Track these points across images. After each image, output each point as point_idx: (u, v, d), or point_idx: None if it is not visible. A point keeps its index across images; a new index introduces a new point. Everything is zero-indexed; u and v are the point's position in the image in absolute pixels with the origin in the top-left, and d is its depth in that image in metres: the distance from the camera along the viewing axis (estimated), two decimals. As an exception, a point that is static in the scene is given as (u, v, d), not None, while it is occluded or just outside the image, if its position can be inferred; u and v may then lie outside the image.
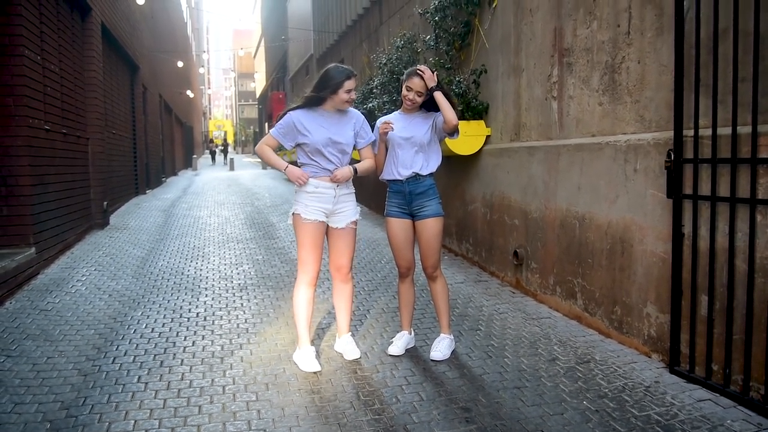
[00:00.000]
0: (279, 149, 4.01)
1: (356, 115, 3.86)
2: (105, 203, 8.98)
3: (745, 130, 3.03)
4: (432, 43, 6.65)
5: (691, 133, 3.32)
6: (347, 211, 3.80)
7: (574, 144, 4.49)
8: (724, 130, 3.14)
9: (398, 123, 3.89)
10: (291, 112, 3.74)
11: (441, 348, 3.89)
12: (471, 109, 6.03)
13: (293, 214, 3.76)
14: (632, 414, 3.04)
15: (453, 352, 3.94)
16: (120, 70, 12.29)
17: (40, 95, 6.12)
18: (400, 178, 3.86)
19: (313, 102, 3.73)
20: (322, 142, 3.64)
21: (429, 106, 3.87)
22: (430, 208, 3.86)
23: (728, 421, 2.91)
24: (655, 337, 3.71)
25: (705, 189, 3.28)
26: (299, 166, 3.76)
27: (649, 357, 3.74)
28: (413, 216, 3.89)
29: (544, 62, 4.93)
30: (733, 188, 3.08)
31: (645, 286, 3.78)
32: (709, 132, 3.22)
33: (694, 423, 2.92)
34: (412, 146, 3.85)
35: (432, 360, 3.83)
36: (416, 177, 3.86)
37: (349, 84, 3.65)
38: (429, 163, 3.91)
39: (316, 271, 3.76)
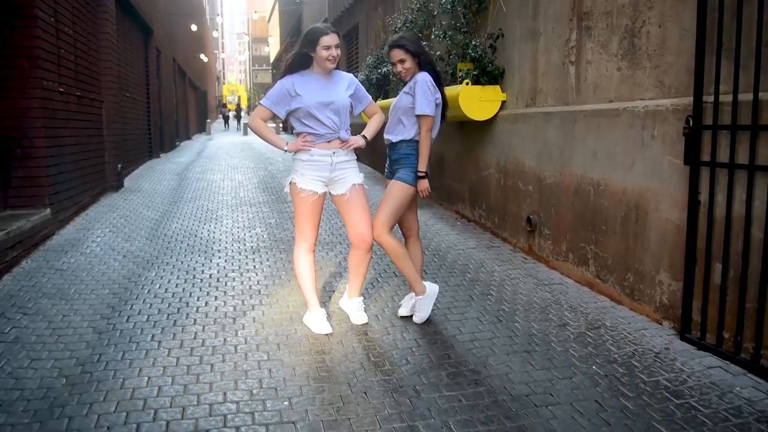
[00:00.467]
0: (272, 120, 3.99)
1: (348, 77, 3.79)
2: (119, 166, 9.02)
3: (766, 96, 2.97)
4: (448, 6, 6.54)
5: (711, 99, 3.25)
6: (347, 177, 3.72)
7: (590, 110, 4.43)
8: (746, 96, 3.08)
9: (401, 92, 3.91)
10: (281, 79, 3.67)
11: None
12: (487, 74, 5.95)
13: (290, 183, 3.71)
14: (641, 379, 3.04)
15: (463, 316, 3.96)
16: (134, 33, 12.23)
17: (54, 57, 6.10)
18: (386, 142, 3.93)
19: (300, 63, 3.65)
20: (314, 104, 3.58)
21: (425, 66, 3.83)
22: (399, 173, 3.82)
23: (737, 388, 2.91)
24: (667, 304, 3.69)
25: (723, 156, 3.23)
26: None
27: (660, 324, 3.73)
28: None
29: (562, 26, 4.84)
30: (753, 155, 3.03)
31: (658, 254, 3.76)
32: (729, 98, 3.15)
33: (703, 389, 2.92)
34: (395, 113, 3.85)
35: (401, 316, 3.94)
36: (392, 144, 3.86)
37: (327, 40, 3.52)
38: (404, 132, 3.81)
39: (314, 239, 3.77)
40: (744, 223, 3.10)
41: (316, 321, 3.74)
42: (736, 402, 2.79)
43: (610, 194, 4.21)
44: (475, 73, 5.91)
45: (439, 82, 3.81)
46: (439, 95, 3.76)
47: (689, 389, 2.93)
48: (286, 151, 3.68)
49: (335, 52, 3.58)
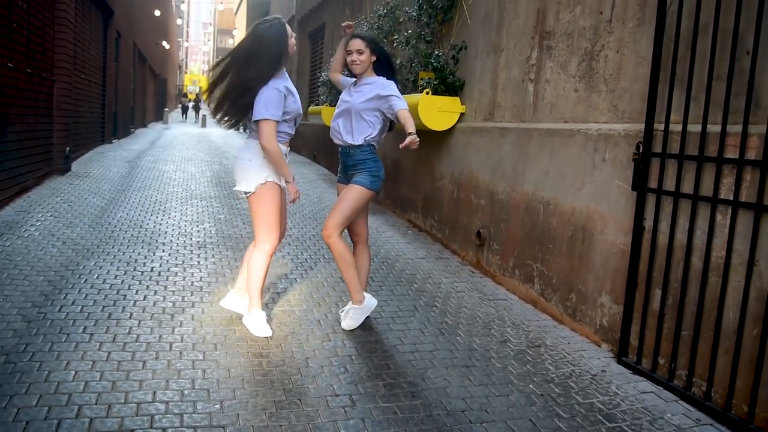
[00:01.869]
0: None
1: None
2: (68, 149, 8.74)
3: (714, 129, 3.03)
4: (414, 14, 6.54)
5: (662, 127, 3.31)
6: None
7: (546, 128, 4.47)
8: (695, 127, 3.14)
9: (349, 90, 3.86)
10: (270, 85, 3.41)
11: (351, 316, 3.87)
12: (447, 84, 5.96)
13: (264, 183, 3.52)
14: (576, 401, 3.06)
15: (405, 327, 3.93)
16: (93, 12, 11.90)
17: (4, 31, 5.88)
18: (338, 143, 3.87)
19: (278, 62, 3.48)
20: (299, 106, 3.59)
21: (382, 70, 3.83)
22: (357, 176, 3.76)
23: (668, 415, 2.96)
24: (607, 327, 3.74)
25: (669, 184, 3.29)
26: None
27: (599, 346, 3.78)
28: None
29: (524, 43, 4.87)
30: (697, 186, 3.09)
31: (602, 276, 3.80)
32: (679, 128, 3.21)
33: (636, 414, 2.96)
34: (347, 113, 3.78)
35: (344, 330, 3.85)
36: (347, 147, 3.80)
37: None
38: (359, 135, 3.75)
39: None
40: (685, 251, 3.16)
41: (258, 323, 3.66)
42: (666, 428, 2.83)
43: (559, 214, 4.25)
44: (435, 82, 5.92)
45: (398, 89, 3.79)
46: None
47: (622, 413, 2.96)
48: (289, 183, 3.55)
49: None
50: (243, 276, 3.86)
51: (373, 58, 3.77)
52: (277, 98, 3.41)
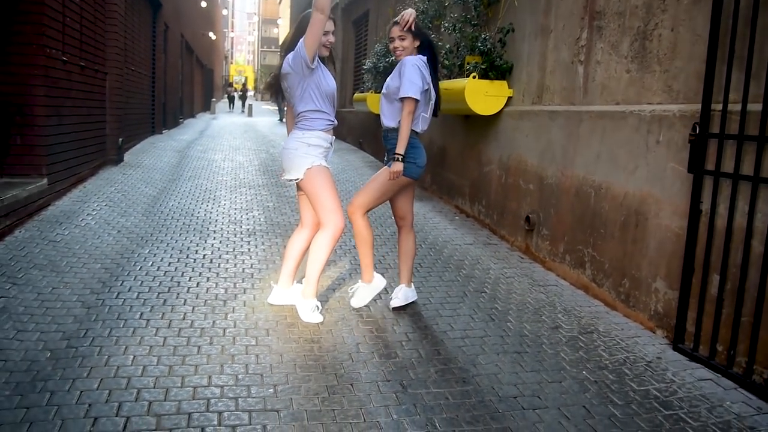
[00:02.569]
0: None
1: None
2: (120, 140, 8.96)
3: (776, 107, 2.92)
4: (459, -2, 6.47)
5: (720, 107, 3.20)
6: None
7: (597, 111, 4.38)
8: (755, 107, 3.03)
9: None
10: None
11: (360, 296, 3.96)
12: (495, 68, 5.88)
13: (311, 167, 3.56)
14: (631, 387, 3.01)
15: (455, 313, 3.93)
16: (142, 6, 12.12)
17: (58, 25, 6.03)
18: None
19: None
20: (333, 88, 3.61)
21: (425, 50, 3.77)
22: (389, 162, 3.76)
23: (727, 403, 2.88)
24: (662, 312, 3.66)
25: (728, 166, 3.18)
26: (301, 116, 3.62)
27: (654, 332, 3.70)
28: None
29: (573, 24, 4.77)
30: (758, 167, 2.98)
31: (656, 261, 3.72)
32: (738, 108, 3.10)
33: (693, 401, 2.89)
34: (386, 96, 3.78)
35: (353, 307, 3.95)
36: (386, 130, 3.80)
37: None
38: (393, 118, 3.75)
39: None
40: (744, 235, 3.06)
41: (310, 310, 3.69)
42: (725, 416, 2.76)
43: (611, 198, 4.16)
44: (483, 66, 5.85)
45: (435, 73, 3.77)
46: (428, 85, 3.68)
47: (679, 400, 2.90)
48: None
49: (331, 38, 3.60)
50: (287, 268, 3.91)
51: (417, 43, 3.73)
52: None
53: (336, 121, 3.71)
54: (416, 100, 3.59)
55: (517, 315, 3.95)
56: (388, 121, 3.77)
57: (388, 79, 3.81)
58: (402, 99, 3.60)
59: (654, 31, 3.83)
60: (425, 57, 3.72)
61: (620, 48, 4.17)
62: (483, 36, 6.01)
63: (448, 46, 6.78)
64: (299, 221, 3.92)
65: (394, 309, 3.91)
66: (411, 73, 3.58)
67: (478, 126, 6.44)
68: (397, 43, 3.70)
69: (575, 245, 4.57)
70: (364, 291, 3.93)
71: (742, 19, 3.10)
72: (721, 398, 2.93)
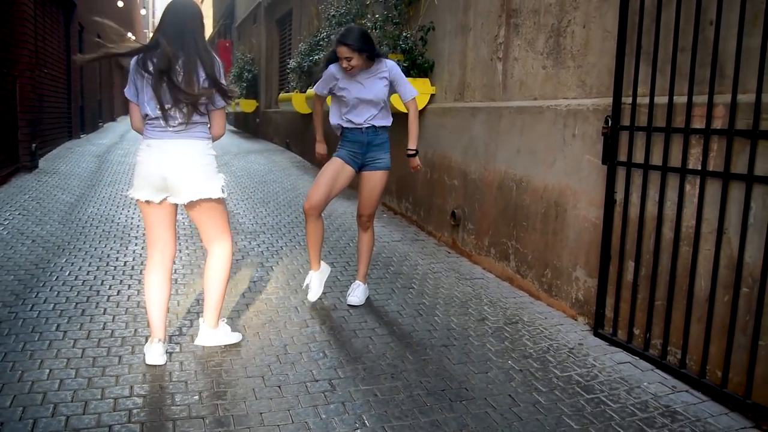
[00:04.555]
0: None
1: None
2: (34, 145, 8.57)
3: (681, 100, 3.05)
4: (381, -3, 6.50)
5: (630, 100, 3.33)
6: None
7: (516, 106, 4.48)
8: (662, 99, 3.16)
9: (350, 83, 3.82)
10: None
11: (358, 294, 4.04)
12: (416, 66, 5.94)
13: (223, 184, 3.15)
14: (554, 374, 3.09)
15: (383, 309, 3.94)
16: (54, 6, 11.63)
17: (-40, 25, 5.72)
18: (358, 126, 3.88)
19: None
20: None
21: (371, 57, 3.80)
22: (383, 162, 3.96)
23: (645, 383, 3.00)
24: (582, 300, 3.77)
25: (639, 157, 3.31)
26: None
27: (576, 320, 3.81)
28: (363, 167, 3.95)
29: (491, 22, 4.86)
30: (666, 157, 3.11)
31: (576, 251, 3.83)
32: (646, 101, 3.23)
33: (613, 384, 2.99)
34: (371, 104, 3.86)
35: (349, 305, 3.99)
36: (374, 129, 3.90)
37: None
38: (386, 118, 3.97)
39: None
40: (656, 222, 3.19)
41: (228, 332, 3.37)
42: (643, 397, 2.87)
43: (531, 191, 4.26)
44: (405, 65, 5.89)
45: None
46: None
47: (600, 384, 2.99)
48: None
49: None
50: (159, 317, 3.15)
51: (363, 56, 3.72)
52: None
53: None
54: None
55: (444, 309, 4.00)
56: (381, 122, 3.93)
57: (358, 89, 3.81)
58: (408, 100, 3.94)
59: (567, 28, 3.95)
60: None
61: (536, 45, 4.27)
62: (404, 34, 6.06)
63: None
64: (151, 254, 3.16)
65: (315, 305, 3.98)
66: (403, 75, 3.90)
67: (402, 123, 6.46)
68: (345, 63, 3.73)
69: (499, 238, 4.67)
70: (362, 289, 4.09)
71: (648, 16, 3.23)
72: (639, 380, 3.04)
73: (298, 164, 10.60)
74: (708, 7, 2.91)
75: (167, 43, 2.93)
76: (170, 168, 2.96)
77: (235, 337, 3.39)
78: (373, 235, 4.12)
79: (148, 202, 3.03)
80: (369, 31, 6.57)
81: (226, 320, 3.48)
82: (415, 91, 3.95)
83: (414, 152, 4.03)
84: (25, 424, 2.48)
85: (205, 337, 3.28)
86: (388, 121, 3.98)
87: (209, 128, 3.08)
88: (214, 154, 3.10)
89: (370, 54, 3.73)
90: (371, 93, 3.81)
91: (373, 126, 3.90)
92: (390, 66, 3.86)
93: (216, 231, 3.19)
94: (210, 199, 3.05)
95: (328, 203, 3.92)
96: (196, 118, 2.98)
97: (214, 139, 3.12)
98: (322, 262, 3.99)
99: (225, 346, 3.30)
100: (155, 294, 3.11)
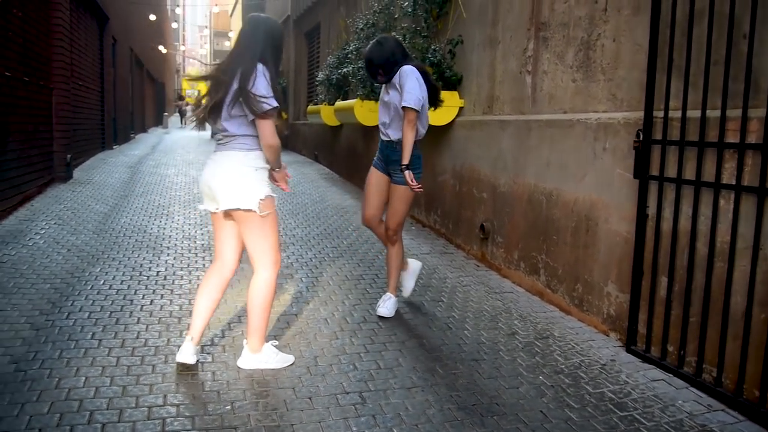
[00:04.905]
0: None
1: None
2: (68, 156, 8.75)
3: (714, 114, 3.03)
4: (409, 10, 6.54)
5: (662, 114, 3.31)
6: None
7: (545, 120, 4.47)
8: (694, 113, 3.14)
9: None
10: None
11: (389, 305, 4.05)
12: (445, 79, 5.96)
13: (265, 198, 3.04)
14: (587, 390, 3.07)
15: (412, 322, 3.95)
16: (88, 20, 11.90)
17: (1, 40, 5.88)
18: (383, 138, 3.94)
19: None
20: None
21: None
22: (401, 176, 3.82)
23: (679, 402, 2.96)
24: (614, 316, 3.74)
25: (671, 171, 3.29)
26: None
27: (607, 335, 3.78)
28: (390, 176, 3.96)
29: (520, 35, 4.87)
30: (699, 171, 3.09)
31: (607, 265, 3.80)
32: (678, 114, 3.21)
33: (647, 402, 2.96)
34: (388, 108, 3.86)
35: (379, 316, 4.01)
36: (391, 143, 3.87)
37: None
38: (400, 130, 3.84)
39: None
40: (689, 237, 3.16)
41: (275, 355, 3.28)
42: (678, 415, 2.84)
43: (562, 204, 4.25)
44: (433, 78, 5.90)
45: (426, 77, 3.83)
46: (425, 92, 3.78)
47: (633, 401, 2.96)
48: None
49: None
50: (200, 320, 3.19)
51: (389, 68, 3.79)
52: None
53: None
54: (417, 111, 3.66)
55: (474, 323, 3.99)
56: (395, 134, 3.84)
57: (387, 92, 3.86)
58: (404, 108, 3.66)
59: (597, 41, 3.94)
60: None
61: (565, 58, 4.27)
62: (433, 47, 6.09)
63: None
64: (213, 261, 3.28)
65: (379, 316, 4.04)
66: (411, 84, 3.65)
67: (431, 136, 6.48)
68: (378, 77, 3.86)
69: (529, 252, 4.65)
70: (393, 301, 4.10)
71: (679, 29, 3.22)
72: (673, 397, 3.01)
73: (326, 176, 10.67)
74: (742, 20, 2.89)
75: (227, 57, 3.17)
76: (211, 177, 3.08)
77: (283, 361, 3.26)
78: (401, 249, 4.11)
79: (210, 211, 3.17)
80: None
81: (274, 342, 3.41)
82: (411, 102, 3.62)
83: (405, 166, 3.73)
84: (62, 431, 2.54)
85: (246, 360, 3.23)
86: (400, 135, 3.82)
87: (258, 140, 3.05)
88: (258, 166, 3.06)
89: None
90: (388, 96, 3.88)
91: (390, 141, 3.88)
92: (400, 70, 3.74)
93: (256, 254, 3.12)
94: (247, 213, 3.03)
95: (382, 211, 4.05)
96: (239, 130, 3.02)
97: (264, 150, 3.04)
98: (409, 259, 4.24)
99: (256, 357, 3.33)
100: (202, 301, 3.17)
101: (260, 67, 2.98)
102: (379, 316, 4.02)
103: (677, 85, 3.24)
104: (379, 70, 3.80)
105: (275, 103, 2.96)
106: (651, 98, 3.35)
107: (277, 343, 3.46)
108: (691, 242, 3.15)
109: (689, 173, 3.17)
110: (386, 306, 4.05)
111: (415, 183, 3.73)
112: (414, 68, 3.73)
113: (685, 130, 3.16)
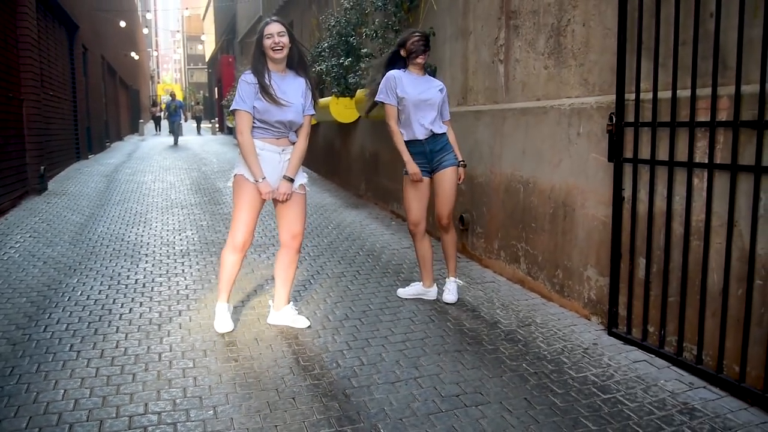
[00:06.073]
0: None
1: (303, 82, 3.62)
2: (42, 168, 8.64)
3: (684, 93, 3.04)
4: (380, 4, 6.51)
5: (633, 96, 3.31)
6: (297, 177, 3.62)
7: (519, 108, 4.47)
8: (665, 94, 3.15)
9: (411, 84, 3.97)
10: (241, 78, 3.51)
11: (453, 291, 4.19)
12: (419, 72, 5.93)
13: (235, 175, 3.55)
14: (570, 375, 3.07)
15: (395, 317, 3.93)
16: (57, 29, 11.74)
17: (-35, 52, 5.78)
18: (420, 138, 3.99)
19: (260, 61, 3.51)
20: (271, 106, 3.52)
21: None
22: (449, 159, 4.02)
23: (662, 381, 2.97)
24: (595, 300, 3.75)
25: (645, 153, 3.29)
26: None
27: (589, 320, 3.79)
28: (433, 171, 4.07)
29: (491, 24, 4.86)
30: (672, 152, 3.10)
31: (586, 250, 3.81)
32: (650, 96, 3.22)
33: (629, 383, 2.97)
34: (429, 107, 3.96)
35: (445, 302, 4.17)
36: (433, 135, 3.99)
37: (268, 29, 3.49)
38: (442, 122, 4.07)
39: (248, 237, 3.59)
40: (665, 218, 3.17)
41: (220, 316, 3.71)
42: (660, 395, 2.84)
43: (539, 192, 4.25)
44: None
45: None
46: (405, 94, 4.00)
47: (616, 384, 2.97)
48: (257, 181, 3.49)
49: (278, 39, 3.48)
50: (280, 286, 3.80)
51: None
52: (245, 90, 3.46)
53: (282, 129, 3.55)
54: (391, 105, 3.99)
55: (456, 314, 3.98)
56: (438, 128, 4.01)
57: (421, 92, 3.97)
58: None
59: (567, 27, 3.94)
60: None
61: (537, 45, 4.27)
62: (405, 41, 6.05)
63: (370, 52, 6.82)
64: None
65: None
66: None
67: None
68: (421, 59, 4.05)
69: (509, 241, 4.65)
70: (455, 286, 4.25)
71: (648, 11, 3.22)
72: (656, 377, 3.02)
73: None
74: (708, 0, 2.90)
75: None
76: None
77: (221, 324, 3.69)
78: (455, 234, 4.28)
79: None
80: (370, 39, 6.63)
81: (225, 307, 3.75)
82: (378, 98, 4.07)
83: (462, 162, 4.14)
84: (42, 446, 2.49)
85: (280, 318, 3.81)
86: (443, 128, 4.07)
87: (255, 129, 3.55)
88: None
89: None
90: (430, 93, 3.97)
91: (432, 133, 3.99)
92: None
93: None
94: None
95: (425, 217, 4.18)
96: None
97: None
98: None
99: (238, 360, 3.30)
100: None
101: (242, 76, 3.47)
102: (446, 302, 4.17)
103: (647, 67, 3.25)
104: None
105: (234, 106, 3.48)
106: (622, 81, 3.35)
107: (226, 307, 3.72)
108: (667, 222, 3.16)
109: (663, 154, 3.18)
110: (451, 291, 4.19)
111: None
112: (385, 76, 4.01)
113: (657, 111, 3.17)
